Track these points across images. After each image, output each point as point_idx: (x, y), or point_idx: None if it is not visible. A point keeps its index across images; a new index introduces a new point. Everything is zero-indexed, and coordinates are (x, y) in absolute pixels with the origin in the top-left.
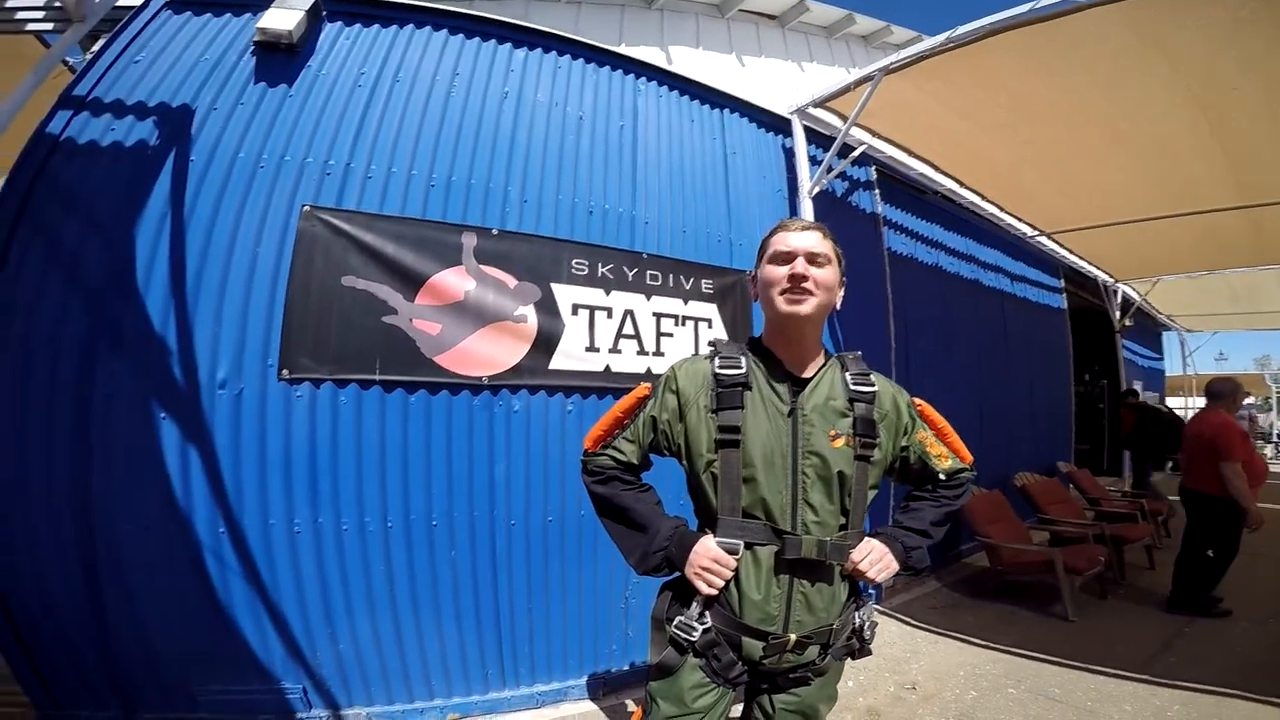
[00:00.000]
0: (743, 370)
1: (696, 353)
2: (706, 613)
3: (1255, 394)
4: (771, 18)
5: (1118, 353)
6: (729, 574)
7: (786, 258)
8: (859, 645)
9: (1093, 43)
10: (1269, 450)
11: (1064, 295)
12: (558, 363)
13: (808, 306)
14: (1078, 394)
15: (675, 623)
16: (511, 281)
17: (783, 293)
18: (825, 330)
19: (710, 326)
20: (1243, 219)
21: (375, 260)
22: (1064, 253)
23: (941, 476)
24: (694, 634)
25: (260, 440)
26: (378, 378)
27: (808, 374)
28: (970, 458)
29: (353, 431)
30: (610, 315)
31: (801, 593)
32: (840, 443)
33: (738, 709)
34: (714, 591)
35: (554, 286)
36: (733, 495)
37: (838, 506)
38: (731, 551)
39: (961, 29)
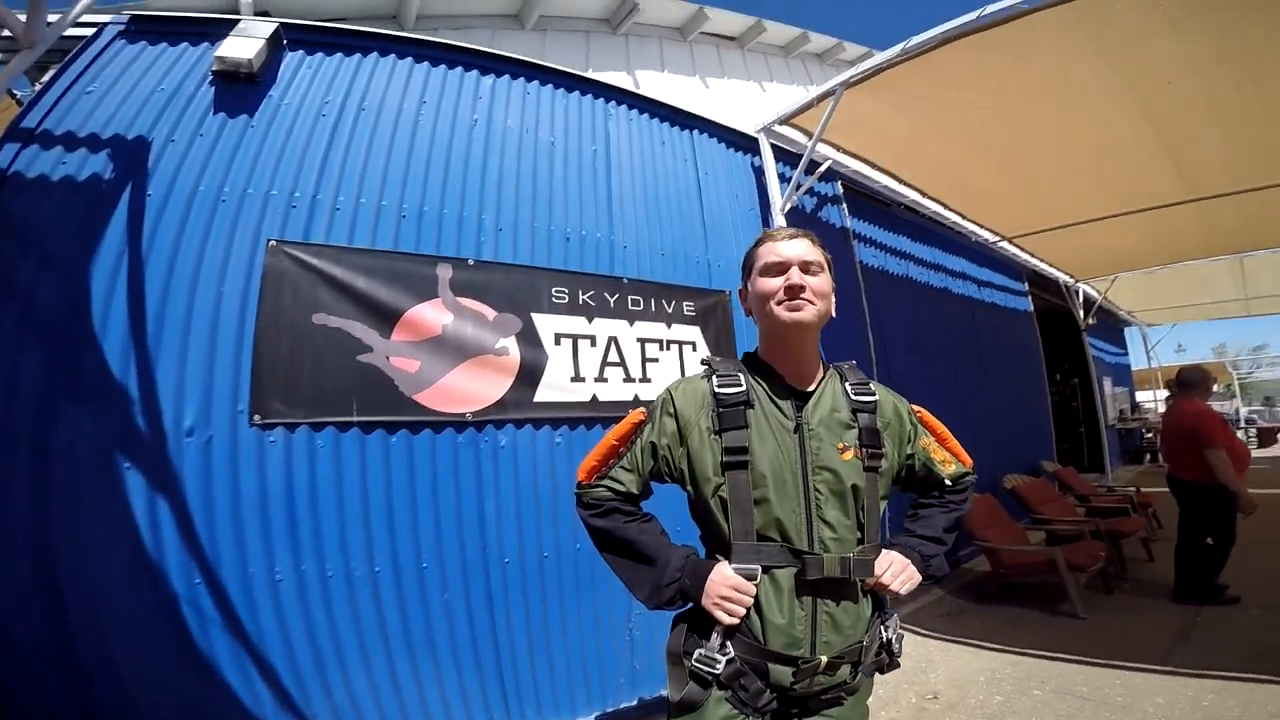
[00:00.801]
0: (743, 388)
1: (684, 374)
2: (728, 643)
3: (1218, 382)
4: (731, 39)
5: (1085, 351)
6: (749, 601)
7: (780, 268)
8: (888, 659)
9: (1037, 45)
10: (1239, 434)
11: (1029, 298)
12: (543, 395)
13: (809, 314)
14: (1051, 393)
15: (696, 656)
16: (490, 313)
17: (779, 303)
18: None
19: (695, 349)
20: (1190, 213)
21: (347, 296)
22: (1026, 256)
23: (947, 482)
24: (717, 666)
25: (233, 489)
26: (355, 419)
27: (809, 387)
28: (970, 461)
29: (332, 476)
30: (594, 343)
31: (827, 613)
32: (849, 455)
33: None
34: (735, 621)
35: (535, 316)
36: (745, 518)
37: (853, 521)
38: (749, 577)
39: (916, 39)
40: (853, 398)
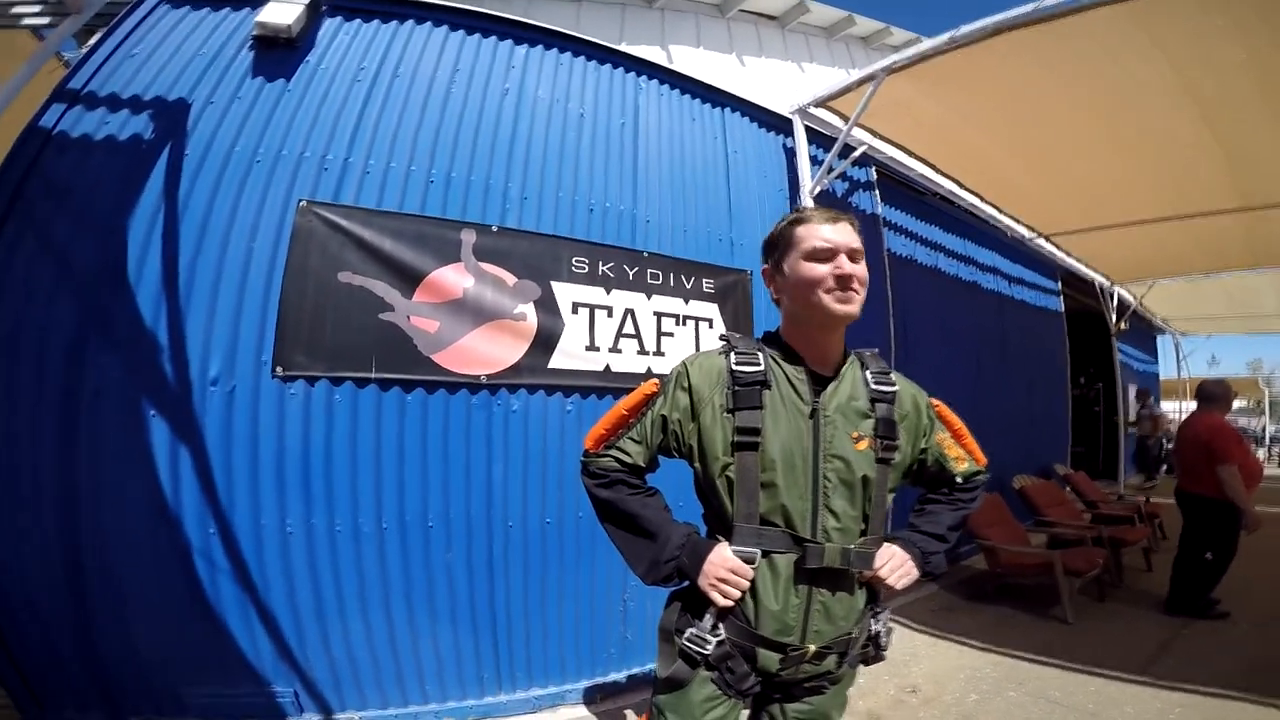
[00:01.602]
0: (761, 367)
1: (699, 350)
2: (720, 625)
3: (1248, 397)
4: (772, 18)
5: (1113, 355)
6: (746, 585)
7: (828, 255)
8: (874, 651)
9: (1095, 43)
10: (1261, 453)
11: (1061, 298)
12: (557, 362)
13: (858, 307)
14: (1074, 397)
15: (687, 635)
16: (511, 279)
17: (829, 292)
18: None
19: (711, 326)
20: (1238, 222)
21: (372, 256)
22: (1062, 255)
23: (958, 480)
24: (707, 647)
25: (252, 439)
26: (374, 376)
27: (830, 373)
28: (985, 460)
29: (348, 431)
30: (610, 314)
31: (821, 602)
32: (863, 445)
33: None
34: (730, 604)
35: (554, 284)
36: (750, 501)
37: (859, 512)
38: (748, 561)
39: (964, 29)
40: (872, 386)
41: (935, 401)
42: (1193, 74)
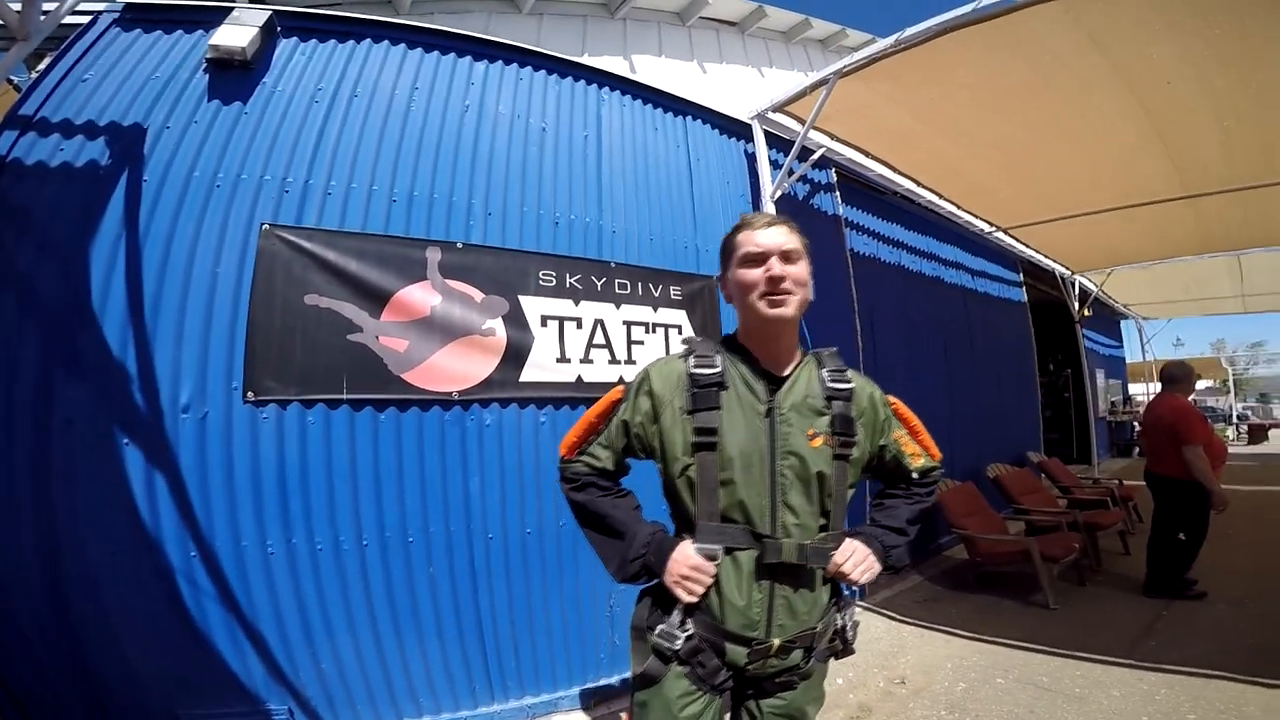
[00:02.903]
0: (719, 369)
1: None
2: (688, 620)
3: (1213, 377)
4: (731, 24)
5: (1079, 342)
6: (709, 581)
7: (759, 259)
8: (842, 646)
9: (1035, 41)
10: (1230, 432)
11: (1024, 289)
12: (529, 375)
13: (790, 308)
14: (1043, 384)
15: (657, 631)
16: (478, 295)
17: (762, 296)
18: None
19: (680, 332)
20: (1186, 210)
21: (338, 278)
22: (1021, 247)
23: (915, 475)
24: (676, 642)
25: (227, 463)
26: (345, 397)
27: (785, 372)
28: (940, 455)
29: (322, 451)
30: (580, 325)
31: (783, 597)
32: (819, 442)
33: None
34: (694, 599)
35: (522, 299)
36: (710, 499)
37: (817, 508)
38: (710, 557)
39: (909, 30)
40: (828, 384)
41: (892, 399)
42: (1129, 69)
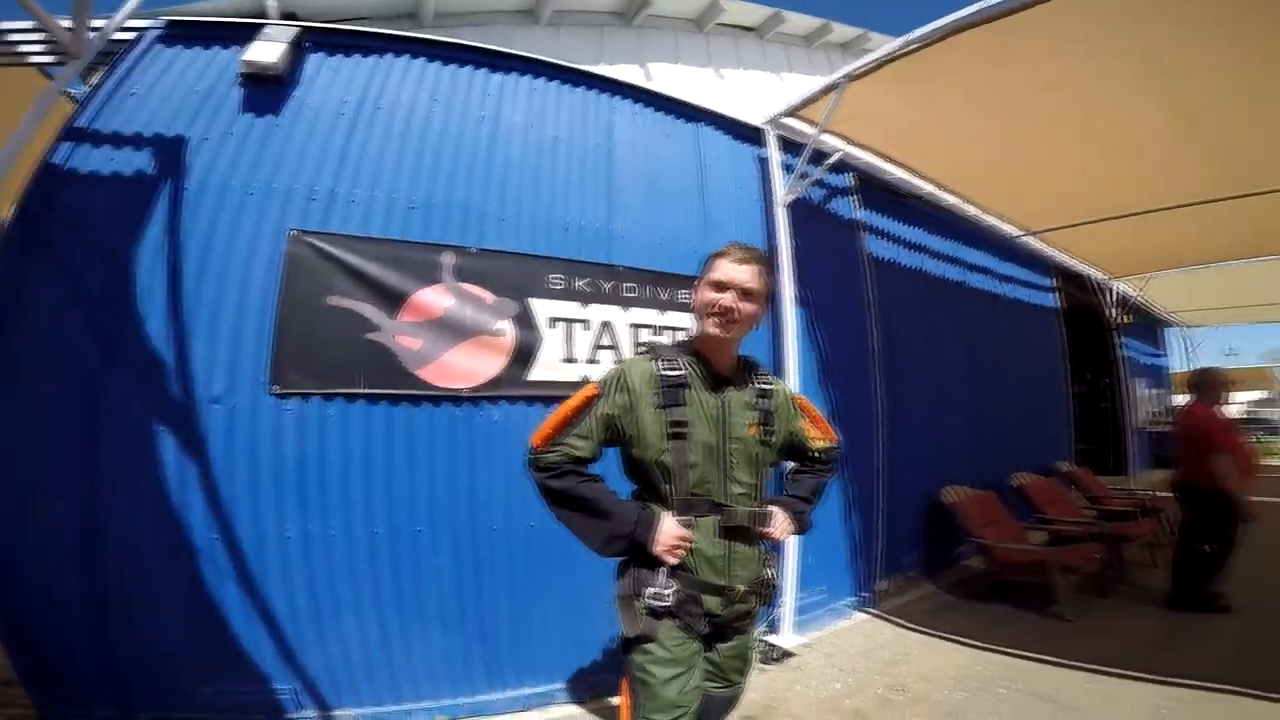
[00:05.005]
0: (683, 371)
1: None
2: (672, 579)
3: (1266, 388)
4: (749, 30)
5: (1115, 350)
6: (690, 546)
7: (722, 286)
8: (770, 591)
9: (1057, 36)
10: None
11: (1056, 294)
12: (536, 374)
13: (730, 334)
14: (1080, 393)
15: (648, 594)
16: (490, 297)
17: (710, 316)
18: (804, 335)
19: (687, 335)
20: (1232, 210)
21: (359, 280)
22: (1052, 251)
23: (816, 454)
24: (668, 599)
25: (252, 451)
26: (362, 391)
27: (729, 373)
28: (836, 438)
29: (339, 443)
30: (587, 327)
31: (737, 552)
32: (752, 430)
33: None
34: (677, 562)
35: (531, 301)
36: (682, 479)
37: (755, 481)
38: (688, 525)
39: (919, 30)
40: (757, 386)
41: (797, 396)
42: (1157, 62)
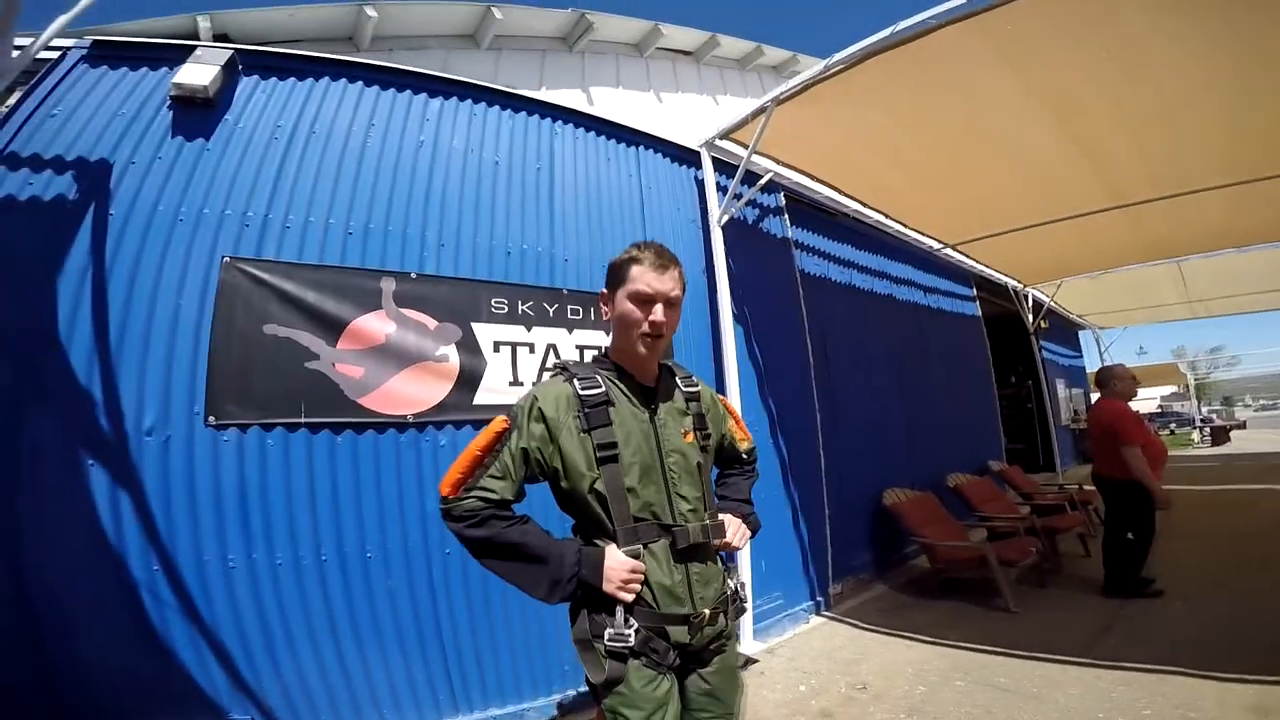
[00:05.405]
0: (603, 389)
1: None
2: (630, 616)
3: (1175, 383)
4: (687, 54)
5: (1036, 354)
6: (642, 578)
7: (648, 300)
8: (739, 603)
9: (950, 61)
10: (1194, 436)
11: (977, 303)
12: (482, 398)
13: (662, 346)
14: (1005, 395)
15: (608, 637)
16: (432, 323)
17: (641, 335)
18: (743, 352)
19: None
20: (1119, 220)
21: (296, 308)
22: (971, 262)
23: (745, 456)
24: (629, 640)
25: (189, 482)
26: (303, 420)
27: (652, 383)
28: (750, 436)
29: (281, 471)
30: (533, 350)
31: (696, 573)
32: (689, 438)
33: None
34: (631, 598)
35: (474, 325)
36: (622, 505)
37: (701, 493)
38: (635, 556)
39: (838, 55)
40: (684, 390)
41: (720, 395)
42: (1039, 83)
